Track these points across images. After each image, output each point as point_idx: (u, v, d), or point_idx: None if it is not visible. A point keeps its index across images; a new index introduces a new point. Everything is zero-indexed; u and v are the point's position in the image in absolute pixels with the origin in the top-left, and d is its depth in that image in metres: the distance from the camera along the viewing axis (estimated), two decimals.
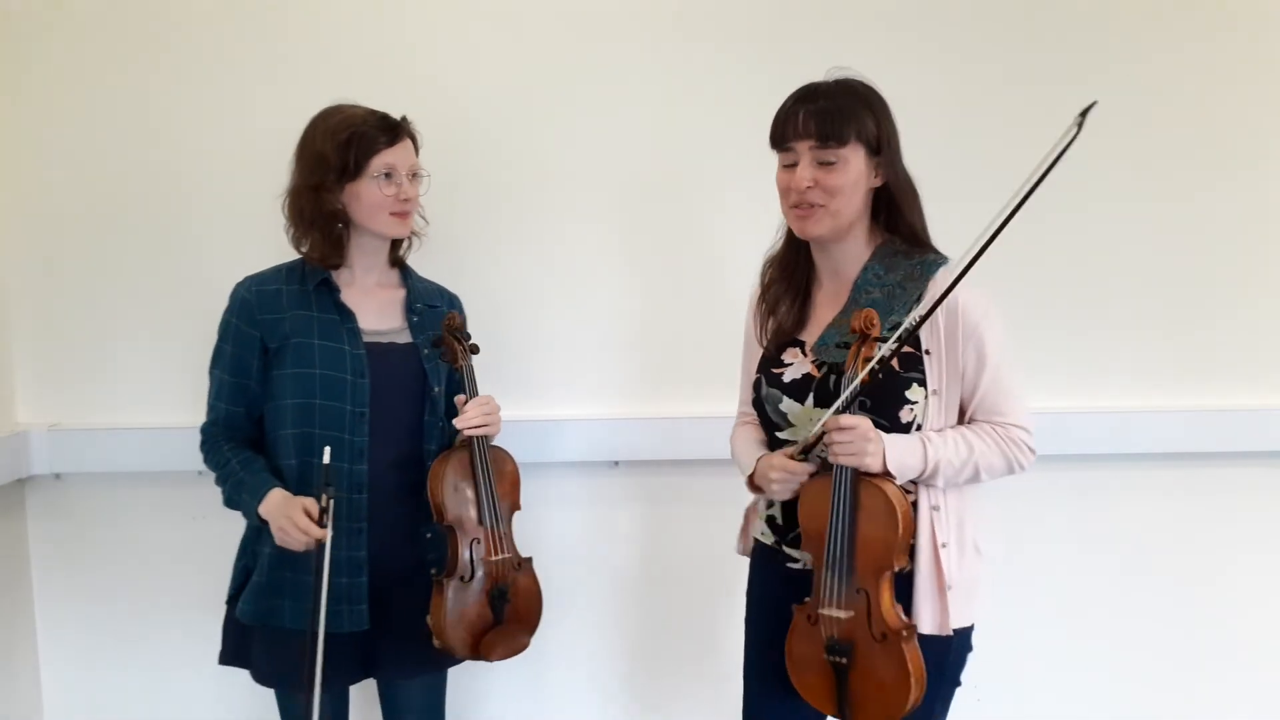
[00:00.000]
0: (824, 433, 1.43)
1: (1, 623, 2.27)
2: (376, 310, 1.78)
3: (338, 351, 1.69)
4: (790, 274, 1.63)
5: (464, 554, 1.71)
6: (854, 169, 1.49)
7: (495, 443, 1.78)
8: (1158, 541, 2.44)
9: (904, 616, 1.46)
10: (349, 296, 1.76)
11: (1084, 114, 1.25)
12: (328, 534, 1.58)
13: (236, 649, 1.81)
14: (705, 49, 2.25)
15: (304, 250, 1.75)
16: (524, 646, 1.78)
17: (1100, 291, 2.35)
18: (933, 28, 2.27)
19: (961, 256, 1.37)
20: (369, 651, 1.75)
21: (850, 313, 1.50)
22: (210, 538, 2.35)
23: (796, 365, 1.59)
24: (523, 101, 2.25)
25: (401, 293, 1.83)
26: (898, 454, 1.44)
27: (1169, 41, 2.29)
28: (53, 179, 2.23)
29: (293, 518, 1.61)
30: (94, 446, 2.27)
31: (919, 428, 1.51)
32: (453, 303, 1.91)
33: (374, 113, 1.71)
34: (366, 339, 1.73)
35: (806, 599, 1.51)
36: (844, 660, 1.44)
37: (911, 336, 1.45)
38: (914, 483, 1.49)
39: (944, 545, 1.50)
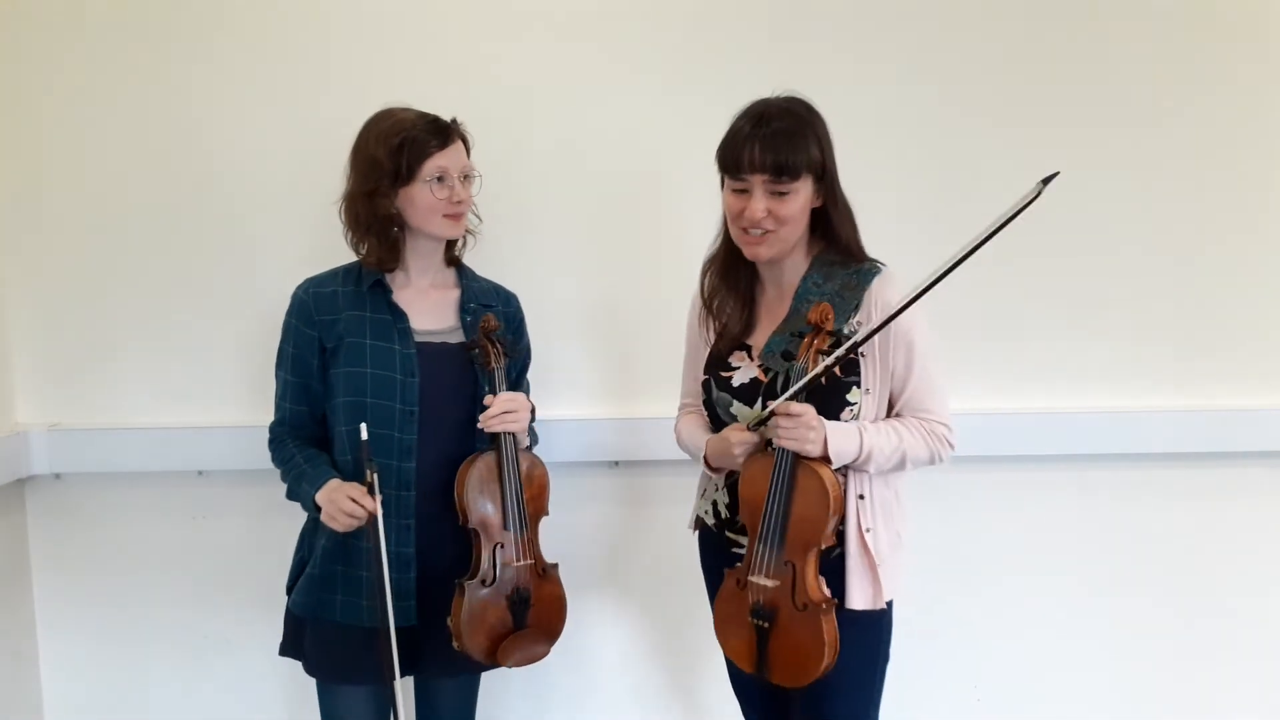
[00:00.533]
0: (771, 413, 1.54)
1: (1, 622, 2.27)
2: (430, 310, 1.79)
3: (388, 351, 1.71)
4: (732, 281, 1.73)
5: (486, 557, 1.71)
6: (802, 197, 1.59)
7: (535, 452, 1.80)
8: (1158, 541, 2.44)
9: (825, 591, 1.58)
10: (403, 297, 1.77)
11: (1045, 181, 1.33)
12: (378, 506, 1.62)
13: (293, 640, 1.83)
14: (700, 48, 2.25)
15: (362, 254, 1.78)
16: (542, 655, 1.77)
17: (1100, 292, 2.35)
18: (926, 28, 2.27)
19: (910, 292, 1.45)
20: (413, 648, 1.76)
21: (793, 321, 1.64)
22: (210, 538, 2.36)
23: (744, 370, 1.69)
24: (522, 101, 2.26)
25: (456, 293, 1.84)
26: (837, 441, 1.55)
27: (1169, 41, 2.29)
28: (53, 179, 2.23)
29: (336, 501, 1.64)
30: (94, 446, 2.27)
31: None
32: (509, 301, 1.91)
33: (425, 116, 1.72)
34: (418, 339, 1.75)
35: (737, 564, 1.65)
36: (766, 624, 1.58)
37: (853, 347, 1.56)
38: (843, 472, 1.61)
39: (869, 530, 1.62)
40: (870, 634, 1.67)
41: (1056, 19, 2.28)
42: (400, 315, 1.74)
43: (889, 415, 1.67)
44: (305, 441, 1.79)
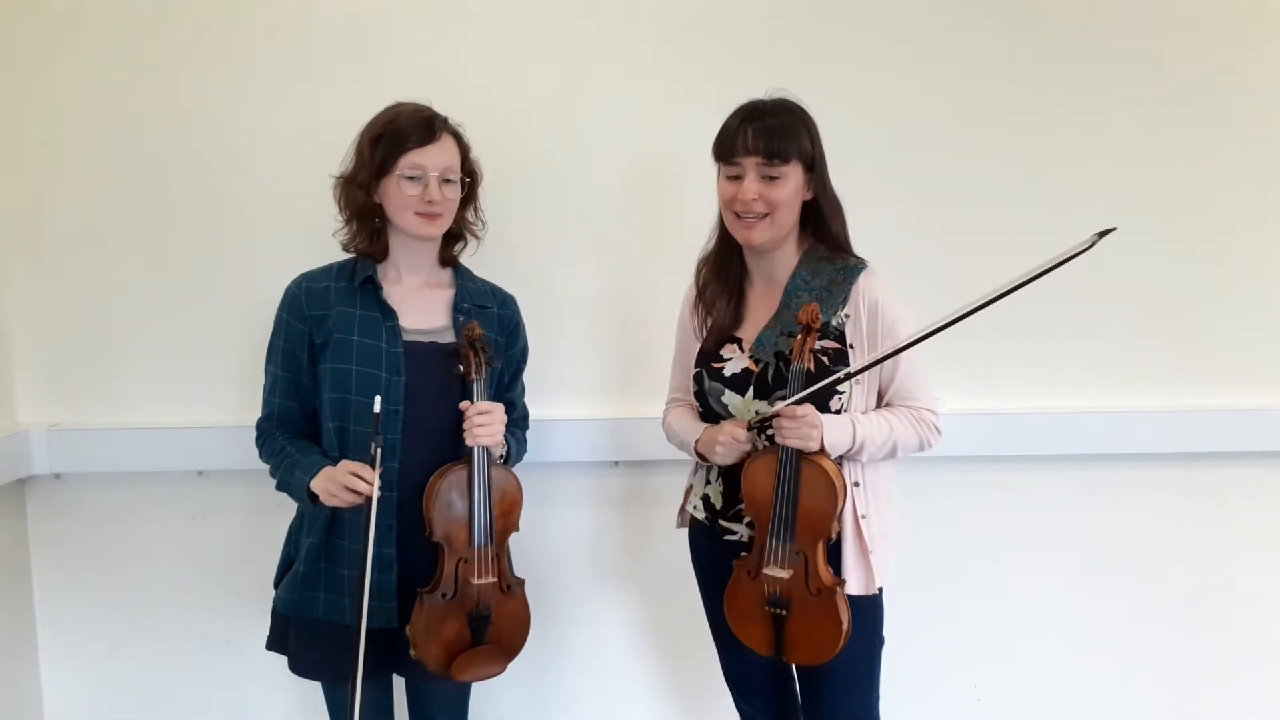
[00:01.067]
0: (773, 415, 1.60)
1: (2, 622, 2.27)
2: (421, 308, 1.78)
3: (375, 348, 1.70)
4: (725, 275, 1.79)
5: (448, 571, 1.68)
6: (793, 183, 1.65)
7: (514, 469, 1.78)
8: (1158, 541, 2.45)
9: (834, 574, 1.67)
10: (393, 294, 1.76)
11: (1102, 235, 1.41)
12: (376, 481, 1.59)
13: (279, 636, 1.82)
14: (704, 49, 2.26)
15: (348, 239, 1.78)
16: (496, 673, 1.74)
17: (1100, 292, 2.35)
18: (924, 29, 2.27)
19: (933, 324, 1.50)
20: (396, 650, 1.75)
21: (784, 316, 1.70)
22: (210, 538, 2.36)
23: (735, 360, 1.74)
24: (523, 101, 2.26)
25: (450, 292, 1.82)
26: (832, 434, 1.62)
27: (1170, 41, 2.29)
28: (54, 179, 2.24)
29: (337, 477, 1.62)
30: (94, 446, 2.27)
31: (844, 411, 1.68)
32: (505, 302, 1.88)
33: (419, 112, 1.71)
34: (407, 337, 1.73)
35: (744, 554, 1.71)
36: (783, 612, 1.65)
37: (839, 335, 1.66)
38: (838, 461, 1.66)
39: (864, 516, 1.69)
40: (865, 619, 1.72)
41: (1057, 19, 2.28)
42: (390, 313, 1.73)
43: (878, 404, 1.74)
44: (294, 436, 1.77)
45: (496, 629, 1.72)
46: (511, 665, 1.77)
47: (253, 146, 2.24)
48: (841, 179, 1.74)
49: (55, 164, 2.23)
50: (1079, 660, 2.49)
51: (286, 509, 1.82)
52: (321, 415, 1.75)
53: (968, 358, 2.30)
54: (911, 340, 1.55)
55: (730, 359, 1.75)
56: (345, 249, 1.79)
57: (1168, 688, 2.51)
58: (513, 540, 1.93)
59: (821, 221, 1.72)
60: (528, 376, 1.97)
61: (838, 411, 1.67)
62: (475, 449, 1.67)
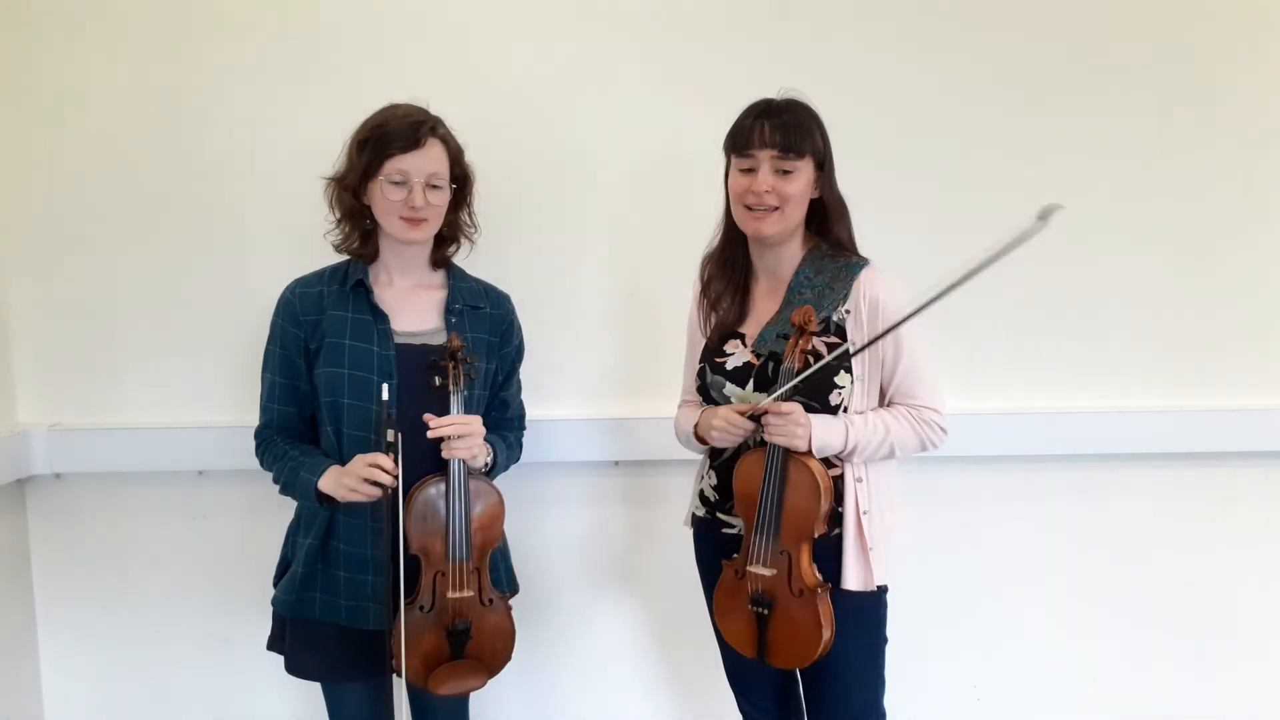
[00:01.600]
0: (762, 411, 1.62)
1: (2, 622, 2.27)
2: (414, 311, 1.77)
3: (366, 352, 1.70)
4: (730, 271, 1.81)
5: (425, 583, 1.67)
6: (805, 179, 1.68)
7: (497, 481, 1.77)
8: (1157, 541, 2.45)
9: (818, 576, 1.66)
10: (385, 297, 1.76)
11: (1045, 215, 1.45)
12: (399, 470, 1.60)
13: (279, 636, 1.83)
14: (706, 51, 2.26)
15: (339, 239, 1.78)
16: (476, 686, 1.73)
17: (1100, 292, 2.35)
18: (927, 29, 2.27)
19: (903, 313, 1.57)
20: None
21: (785, 314, 1.71)
22: (210, 538, 2.36)
23: (738, 355, 1.76)
24: (522, 101, 2.26)
25: (442, 293, 1.81)
26: (821, 435, 1.63)
27: (1170, 40, 2.29)
28: (54, 179, 2.23)
29: (355, 470, 1.62)
30: (94, 446, 2.27)
31: (845, 409, 1.69)
32: (499, 302, 1.87)
33: (407, 116, 1.69)
34: (399, 340, 1.72)
35: (734, 555, 1.73)
36: (766, 611, 1.67)
37: (840, 330, 1.68)
38: (839, 458, 1.69)
39: (866, 513, 1.70)
40: (868, 617, 1.75)
41: (1058, 18, 2.28)
42: (381, 316, 1.73)
43: (881, 402, 1.74)
44: (295, 441, 1.77)
45: (477, 643, 1.71)
46: (512, 666, 1.77)
47: (254, 147, 2.24)
48: (843, 176, 1.75)
49: (55, 165, 2.23)
50: (1078, 659, 2.49)
51: (286, 509, 1.82)
52: (319, 419, 1.75)
53: (968, 358, 2.30)
54: (885, 330, 1.58)
55: (733, 353, 1.76)
56: (338, 250, 1.79)
57: (1168, 687, 2.51)
58: (512, 541, 1.93)
59: (826, 221, 1.74)
60: (529, 375, 1.97)
61: (837, 407, 1.68)
62: (451, 462, 1.66)
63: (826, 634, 1.63)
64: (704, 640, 1.96)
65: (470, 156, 1.81)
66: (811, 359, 1.64)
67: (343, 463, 1.69)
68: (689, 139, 2.22)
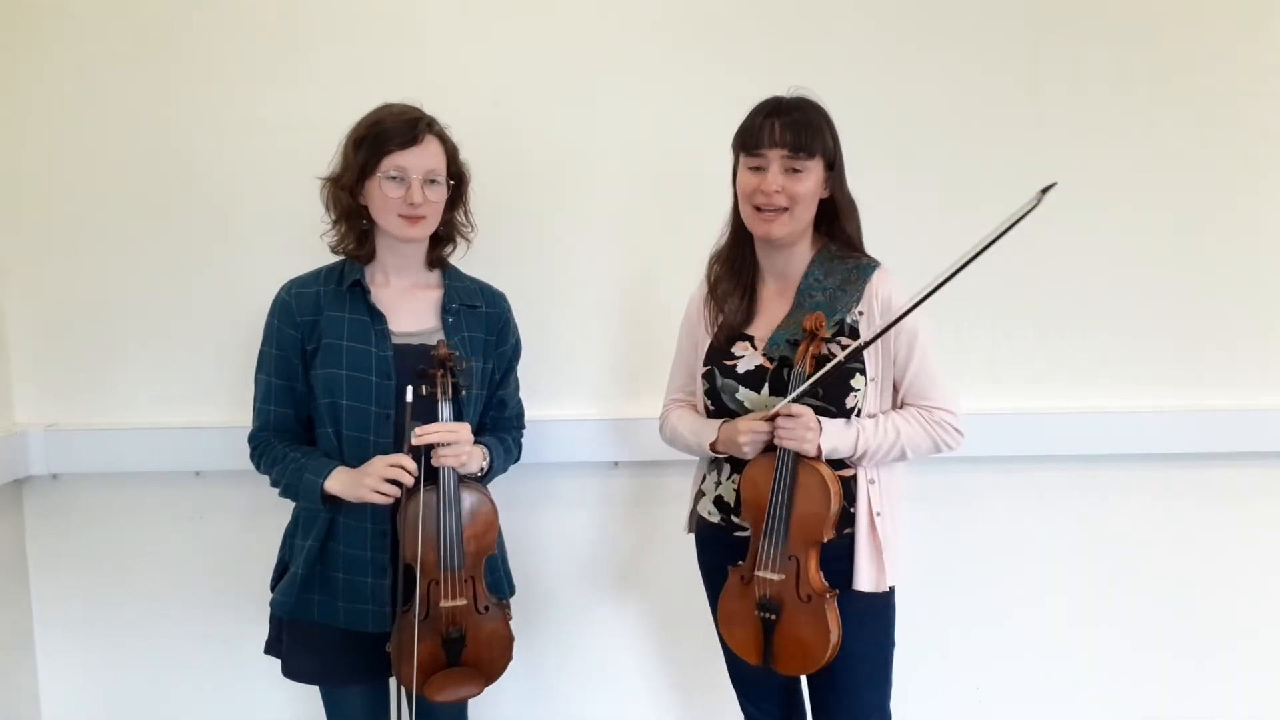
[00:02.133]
0: (774, 415, 1.61)
1: None
2: (410, 311, 1.76)
3: (364, 353, 1.69)
4: (736, 271, 1.79)
5: (420, 591, 1.66)
6: (814, 179, 1.66)
7: (495, 485, 1.76)
8: (1157, 541, 2.45)
9: (825, 582, 1.65)
10: (381, 297, 1.75)
11: (1044, 191, 1.40)
12: (421, 472, 1.60)
13: (277, 639, 1.82)
14: (705, 49, 2.25)
15: (335, 240, 1.77)
16: (473, 694, 1.73)
17: (1100, 292, 2.35)
18: (930, 27, 2.27)
19: (909, 300, 1.56)
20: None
21: (796, 317, 1.70)
22: (207, 538, 2.36)
23: (748, 358, 1.74)
24: (521, 101, 2.25)
25: (438, 293, 1.80)
26: (831, 440, 1.62)
27: (1170, 39, 2.29)
28: (53, 179, 2.23)
29: (373, 471, 1.62)
30: (92, 447, 2.26)
31: (859, 411, 1.68)
32: (495, 300, 1.86)
33: (404, 114, 1.69)
34: (397, 340, 1.72)
35: (740, 562, 1.71)
36: (773, 616, 1.65)
37: (853, 332, 1.67)
38: (851, 461, 1.68)
39: (879, 514, 1.69)
40: (878, 617, 1.75)
41: (1057, 16, 2.28)
42: (379, 317, 1.72)
43: (894, 405, 1.74)
44: (292, 443, 1.76)
45: (473, 651, 1.70)
46: (511, 666, 1.76)
47: (251, 147, 2.23)
48: (850, 174, 1.75)
49: (54, 165, 2.22)
50: (1079, 659, 2.49)
51: (284, 510, 1.82)
52: (317, 420, 1.74)
53: (968, 358, 2.30)
54: (892, 321, 1.57)
55: (743, 356, 1.74)
56: (334, 250, 1.78)
57: (1169, 687, 2.51)
58: (511, 542, 1.93)
59: (836, 221, 1.73)
60: (528, 376, 1.96)
61: (852, 409, 1.67)
62: (441, 470, 1.66)
63: (833, 640, 1.62)
64: (705, 641, 1.95)
65: (467, 156, 1.80)
66: (820, 363, 1.63)
67: (343, 463, 1.69)
68: (688, 137, 2.22)
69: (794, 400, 1.60)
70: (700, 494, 1.87)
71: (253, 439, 1.78)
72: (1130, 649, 2.49)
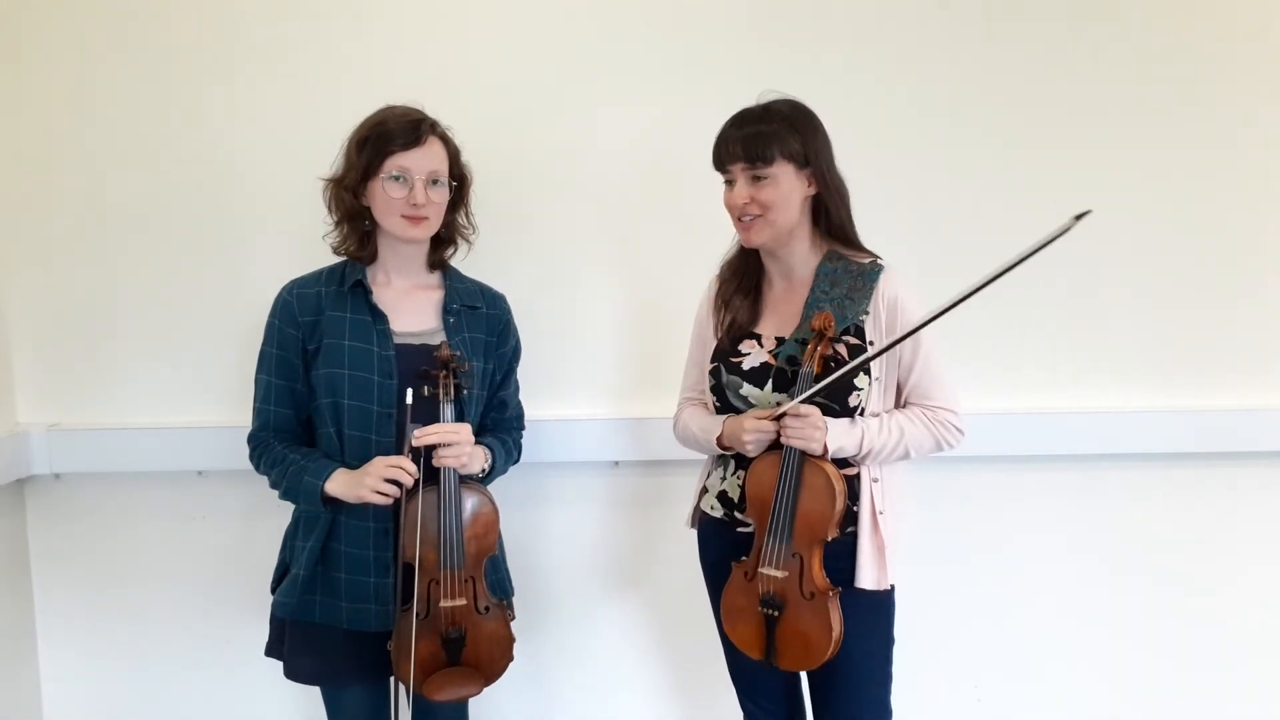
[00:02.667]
0: (781, 414, 1.63)
1: (1, 622, 2.27)
2: (412, 311, 1.77)
3: (366, 352, 1.70)
4: (743, 275, 1.84)
5: (420, 591, 1.67)
6: (784, 182, 1.68)
7: (495, 485, 1.77)
8: (1157, 541, 2.45)
9: (828, 579, 1.67)
10: (383, 297, 1.76)
11: (1078, 217, 1.42)
12: (420, 474, 1.62)
13: (278, 641, 1.83)
14: (707, 49, 2.26)
15: (337, 241, 1.78)
16: (473, 693, 1.74)
17: (1100, 292, 2.35)
18: (932, 30, 2.28)
19: (926, 315, 1.55)
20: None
21: (804, 328, 1.72)
22: (210, 538, 2.36)
23: (754, 355, 1.77)
24: (523, 101, 2.26)
25: (439, 294, 1.81)
26: (837, 439, 1.65)
27: (1169, 40, 2.30)
28: (54, 179, 2.23)
29: (373, 472, 1.62)
30: (94, 446, 2.27)
31: (863, 410, 1.70)
32: (495, 301, 1.88)
33: (406, 115, 1.70)
34: (398, 340, 1.72)
35: (744, 558, 1.74)
36: (776, 613, 1.68)
37: (859, 331, 1.69)
38: (854, 460, 1.71)
39: (881, 513, 1.71)
40: (878, 615, 1.77)
41: (1057, 18, 2.28)
42: (380, 317, 1.73)
43: (897, 404, 1.76)
44: (292, 444, 1.76)
45: (472, 650, 1.71)
46: (513, 667, 1.77)
47: (253, 147, 2.24)
48: (851, 175, 1.76)
49: (55, 165, 2.23)
50: (1078, 659, 2.49)
51: (286, 509, 1.82)
52: (318, 420, 1.75)
53: (968, 358, 2.30)
54: (906, 333, 1.59)
55: (749, 354, 1.77)
56: (336, 252, 1.79)
57: (1169, 686, 2.51)
58: (511, 542, 1.93)
59: (825, 212, 1.74)
60: (529, 376, 1.97)
61: (855, 408, 1.69)
62: (442, 470, 1.66)
63: (835, 636, 1.64)
64: (706, 640, 1.95)
65: (470, 157, 1.81)
66: (832, 364, 1.65)
67: (345, 464, 1.69)
68: (689, 139, 2.21)
69: (801, 401, 1.62)
70: (704, 490, 1.89)
71: (252, 439, 1.79)
72: (1130, 648, 2.49)
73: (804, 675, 1.88)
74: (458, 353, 1.70)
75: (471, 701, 1.85)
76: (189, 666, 2.40)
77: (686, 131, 2.21)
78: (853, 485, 1.70)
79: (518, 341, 1.92)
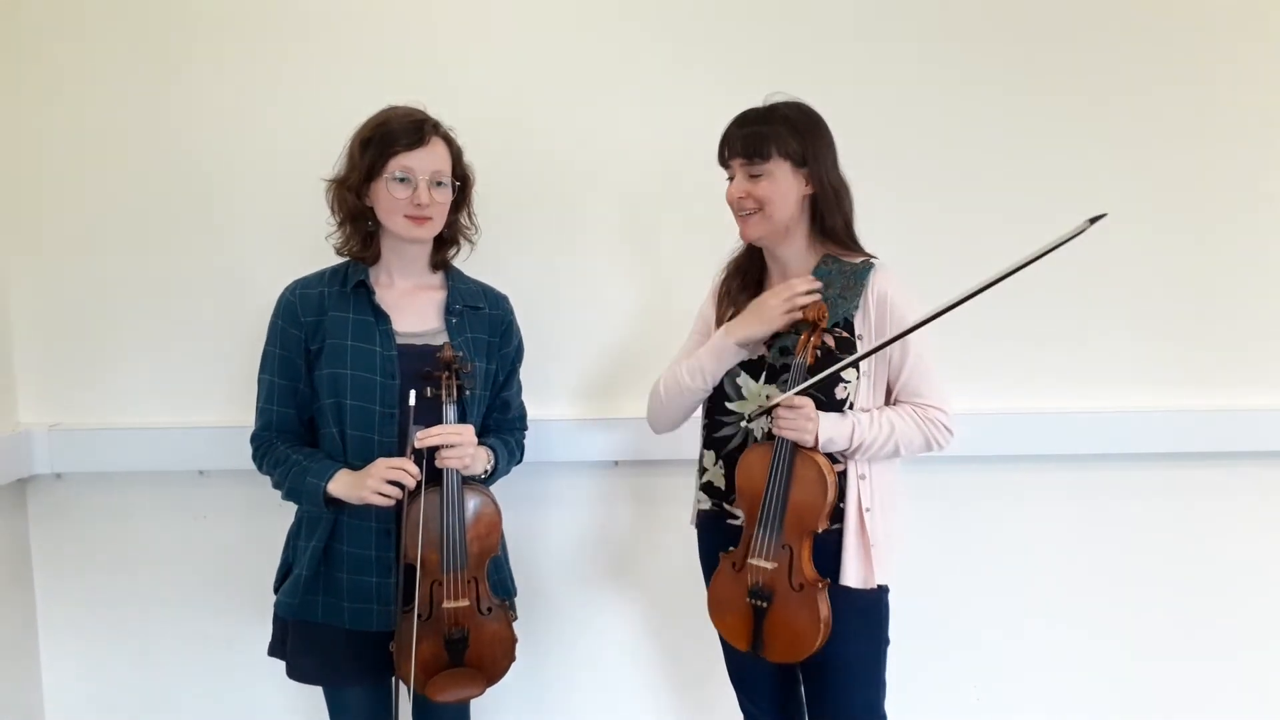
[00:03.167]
0: (773, 406, 1.65)
1: (2, 622, 2.27)
2: (414, 312, 1.77)
3: (369, 353, 1.70)
4: (744, 273, 1.87)
5: (422, 592, 1.67)
6: (781, 180, 1.70)
7: (497, 486, 1.77)
8: (1157, 541, 2.45)
9: (817, 572, 1.68)
10: (386, 298, 1.76)
11: (1092, 220, 1.39)
12: (421, 476, 1.62)
13: (281, 641, 1.83)
14: (709, 49, 2.26)
15: (340, 241, 1.78)
16: (475, 694, 1.74)
17: (1100, 292, 2.36)
18: (932, 28, 2.28)
19: (931, 310, 1.53)
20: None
21: (801, 327, 1.72)
22: (210, 538, 2.36)
23: (750, 347, 1.79)
24: (523, 101, 2.26)
25: (441, 294, 1.81)
26: (828, 432, 1.65)
27: (1170, 40, 2.30)
28: (54, 179, 2.24)
29: (376, 472, 1.63)
30: (95, 446, 2.27)
31: (850, 404, 1.71)
32: (498, 302, 1.88)
33: (409, 115, 1.70)
34: (401, 341, 1.73)
35: (732, 548, 1.75)
36: (764, 604, 1.68)
37: (848, 324, 1.71)
38: (843, 455, 1.71)
39: (868, 510, 1.71)
40: (869, 616, 1.76)
41: (1057, 19, 2.28)
42: (383, 317, 1.73)
43: (888, 400, 1.76)
44: (295, 444, 1.77)
45: (475, 651, 1.71)
46: (513, 667, 1.77)
47: (253, 148, 2.24)
48: (852, 176, 1.76)
49: (55, 165, 2.23)
50: (1077, 659, 2.49)
51: (287, 508, 1.82)
52: (320, 421, 1.75)
53: (967, 358, 2.30)
54: (904, 330, 1.58)
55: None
56: (339, 253, 1.79)
57: (1168, 687, 2.51)
58: (512, 542, 1.94)
59: (824, 214, 1.75)
60: (530, 376, 1.97)
61: (843, 402, 1.70)
62: (445, 471, 1.67)
63: (822, 629, 1.65)
64: (706, 640, 1.96)
65: (473, 158, 1.81)
66: (820, 354, 1.67)
67: (348, 464, 1.69)
68: (690, 140, 2.22)
69: (796, 392, 1.63)
70: (703, 479, 1.89)
71: (255, 439, 1.79)
72: (1129, 647, 2.49)
73: (801, 675, 1.87)
74: (460, 353, 1.70)
75: (473, 702, 1.86)
76: (191, 666, 2.41)
77: (696, 132, 2.21)
78: (839, 482, 1.70)
79: (520, 342, 1.92)
